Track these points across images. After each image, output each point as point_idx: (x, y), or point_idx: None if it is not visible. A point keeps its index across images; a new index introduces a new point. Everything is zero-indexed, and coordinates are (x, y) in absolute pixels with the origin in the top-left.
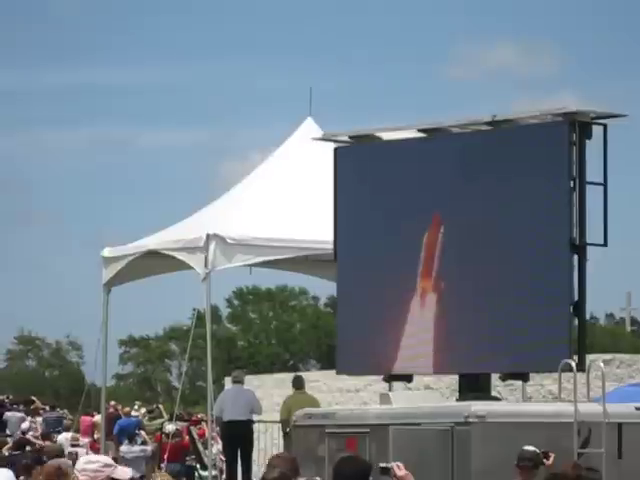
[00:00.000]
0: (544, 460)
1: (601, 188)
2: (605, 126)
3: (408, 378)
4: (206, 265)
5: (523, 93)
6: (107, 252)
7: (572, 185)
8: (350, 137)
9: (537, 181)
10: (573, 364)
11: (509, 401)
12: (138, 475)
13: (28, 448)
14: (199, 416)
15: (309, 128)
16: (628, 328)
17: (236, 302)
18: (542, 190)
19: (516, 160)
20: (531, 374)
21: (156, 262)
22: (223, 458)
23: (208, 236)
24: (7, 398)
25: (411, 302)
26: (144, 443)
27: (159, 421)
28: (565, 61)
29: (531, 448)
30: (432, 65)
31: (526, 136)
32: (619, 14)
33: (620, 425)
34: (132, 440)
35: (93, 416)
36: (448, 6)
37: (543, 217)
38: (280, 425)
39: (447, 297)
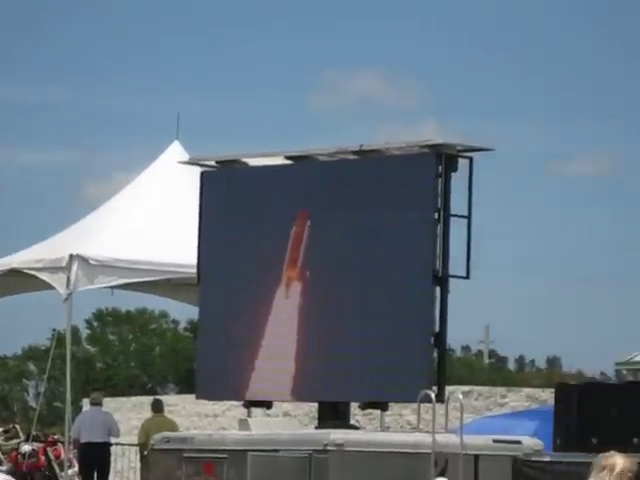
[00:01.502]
0: None
1: (465, 220)
2: (471, 159)
3: (267, 404)
4: (68, 286)
5: (388, 123)
6: None
7: (437, 217)
8: (217, 162)
9: (402, 212)
10: (432, 395)
11: (367, 430)
12: None
13: None
14: (56, 437)
15: (175, 151)
16: (486, 360)
17: (95, 324)
18: (407, 221)
19: (382, 190)
20: (390, 404)
21: (18, 281)
22: None
23: (71, 256)
24: None
25: (271, 329)
26: None
27: (15, 441)
28: (429, 93)
29: None
30: (298, 92)
31: (393, 167)
32: (480, 48)
33: (477, 457)
34: None
35: None
36: (315, 34)
37: (407, 248)
38: (138, 448)
39: (307, 325)
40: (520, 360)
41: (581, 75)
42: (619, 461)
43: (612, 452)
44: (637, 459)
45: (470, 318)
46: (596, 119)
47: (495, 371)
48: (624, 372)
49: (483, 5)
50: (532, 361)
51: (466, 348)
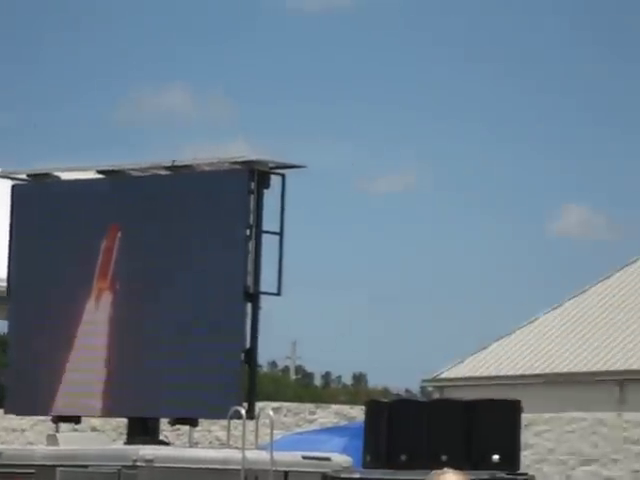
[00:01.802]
0: None
1: (277, 237)
2: (283, 176)
3: (76, 419)
4: None
5: (197, 140)
6: None
7: (248, 233)
8: (28, 175)
9: (214, 228)
10: (242, 411)
11: (177, 446)
12: None
13: None
14: None
15: None
16: (293, 377)
17: None
18: (218, 237)
19: (194, 206)
20: (200, 420)
21: None
22: None
23: None
24: None
25: (80, 343)
26: None
27: None
28: (237, 110)
29: None
30: (105, 107)
31: (205, 183)
32: (287, 66)
33: (287, 473)
34: None
35: None
36: (121, 50)
37: (218, 264)
38: None
39: (117, 340)
40: (326, 376)
41: (385, 96)
42: (451, 478)
43: (445, 469)
44: (469, 476)
45: (277, 334)
46: (401, 138)
47: (302, 387)
48: (430, 389)
49: (290, 21)
50: (338, 377)
51: (272, 364)
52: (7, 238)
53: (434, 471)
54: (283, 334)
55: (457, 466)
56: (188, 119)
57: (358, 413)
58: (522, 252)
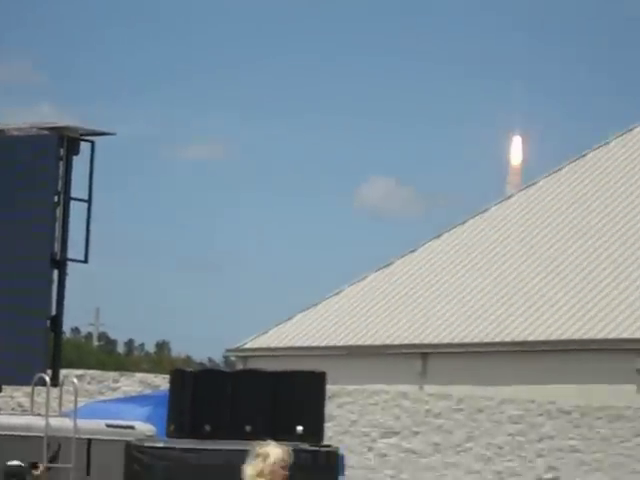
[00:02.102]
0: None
1: (85, 204)
2: (93, 143)
3: None
4: None
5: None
6: None
7: (57, 200)
8: None
9: (22, 193)
10: (47, 378)
11: None
12: None
13: None
14: None
15: None
16: (95, 343)
17: None
18: (26, 203)
19: (2, 171)
20: (3, 386)
21: None
22: None
23: None
24: None
25: None
26: None
27: None
28: (43, 76)
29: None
30: None
31: (12, 147)
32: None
33: (90, 441)
34: None
35: None
36: None
37: (25, 230)
38: None
39: None
40: (129, 344)
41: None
42: (272, 450)
43: (268, 441)
44: (290, 447)
45: (80, 301)
46: (213, 108)
47: (105, 354)
48: (233, 359)
49: None
50: (142, 345)
51: (75, 330)
52: None
53: (258, 442)
54: (86, 301)
55: (260, 437)
56: None
57: (162, 382)
58: (330, 224)
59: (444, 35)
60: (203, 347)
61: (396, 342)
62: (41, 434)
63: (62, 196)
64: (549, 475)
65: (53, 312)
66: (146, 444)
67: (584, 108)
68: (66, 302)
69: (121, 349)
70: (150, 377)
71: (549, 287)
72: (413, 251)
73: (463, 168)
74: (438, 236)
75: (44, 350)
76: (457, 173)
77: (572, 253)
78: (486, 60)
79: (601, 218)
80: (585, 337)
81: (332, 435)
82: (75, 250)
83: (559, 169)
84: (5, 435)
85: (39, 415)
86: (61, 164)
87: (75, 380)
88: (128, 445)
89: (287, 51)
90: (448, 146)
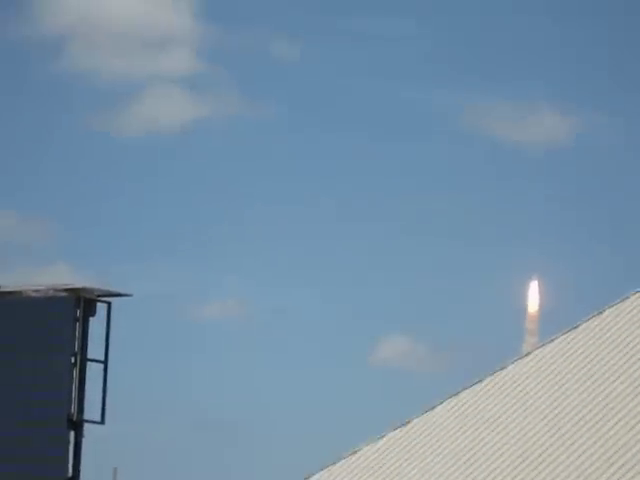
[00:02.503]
0: None
1: (102, 365)
2: (109, 304)
3: None
4: None
5: (20, 262)
6: None
7: (73, 361)
8: None
9: (39, 355)
10: None
11: None
12: None
13: None
14: None
15: None
16: None
17: None
18: (44, 364)
19: (19, 332)
20: None
21: None
22: None
23: None
24: None
25: None
26: None
27: None
28: (59, 233)
29: None
30: None
31: (30, 309)
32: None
33: None
34: None
35: None
36: None
37: (42, 391)
38: None
39: None
40: None
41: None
42: None
43: None
44: None
45: (98, 461)
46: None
47: None
48: None
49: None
50: None
51: None
52: None
53: None
54: (104, 461)
55: None
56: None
57: None
58: (345, 382)
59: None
60: None
61: None
62: None
63: (79, 357)
64: None
65: (69, 474)
66: None
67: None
68: (83, 462)
69: None
70: None
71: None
72: (433, 408)
73: (480, 319)
74: (457, 394)
75: None
76: (473, 325)
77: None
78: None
79: (623, 380)
80: None
81: None
82: (92, 411)
83: (576, 326)
84: None
85: None
86: (78, 325)
87: None
88: None
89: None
90: (463, 297)
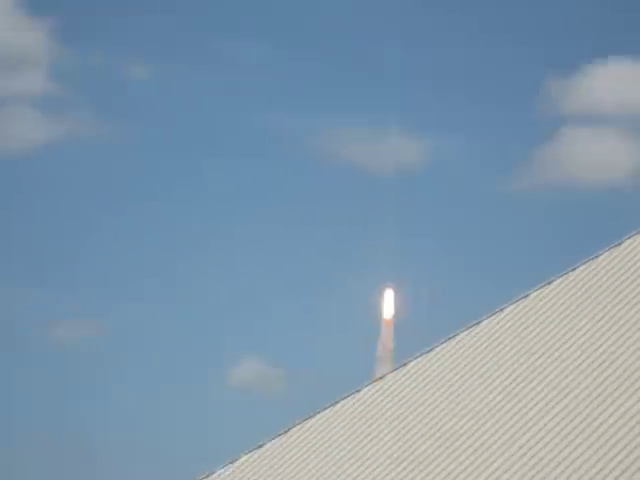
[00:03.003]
0: None
1: None
2: None
3: None
4: None
5: None
6: None
7: None
8: None
9: None
10: None
11: None
12: None
13: None
14: None
15: None
16: None
17: None
18: None
19: None
20: None
21: None
22: None
23: None
24: None
25: None
26: None
27: None
28: None
29: None
30: None
31: None
32: None
33: None
34: None
35: None
36: None
37: None
38: None
39: None
40: None
41: None
42: None
43: None
44: None
45: None
46: None
47: None
48: None
49: None
50: None
51: None
52: None
53: None
54: None
55: None
56: None
57: None
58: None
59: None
60: None
61: None
62: None
63: None
64: None
65: None
66: None
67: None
68: None
69: None
70: None
71: None
72: (286, 432)
73: (333, 342)
74: (312, 416)
75: None
76: (327, 348)
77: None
78: None
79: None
80: None
81: None
82: None
83: (431, 349)
84: None
85: None
86: None
87: None
88: None
89: None
90: (317, 318)
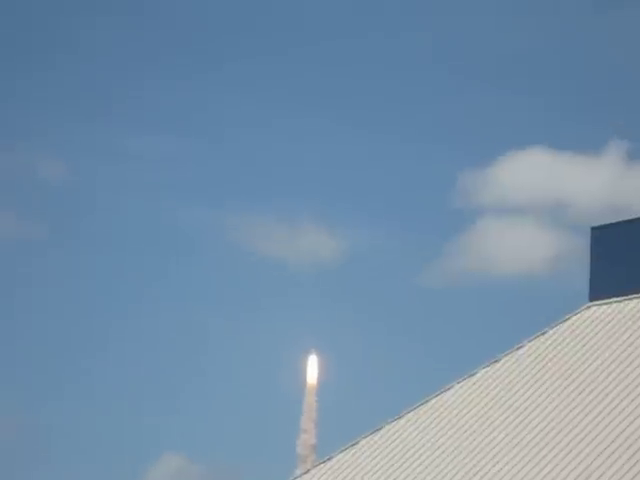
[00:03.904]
0: None
1: None
2: None
3: None
4: None
5: None
6: None
7: None
8: None
9: None
10: None
11: None
12: None
13: None
14: None
15: None
16: None
17: None
18: None
19: None
20: None
21: None
22: None
23: None
24: None
25: None
26: None
27: None
28: None
29: None
30: None
31: None
32: None
33: None
34: None
35: None
36: None
37: None
38: None
39: None
40: None
41: None
42: None
43: None
44: None
45: None
46: None
47: None
48: None
49: None
50: None
51: None
52: None
53: None
54: None
55: None
56: None
57: None
58: None
59: None
60: None
61: None
62: None
63: None
64: None
65: None
66: None
67: None
68: None
69: None
70: None
71: None
72: None
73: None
74: None
75: None
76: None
77: None
78: None
79: None
80: None
81: None
82: None
83: (356, 442)
84: None
85: None
86: None
87: None
88: None
89: None
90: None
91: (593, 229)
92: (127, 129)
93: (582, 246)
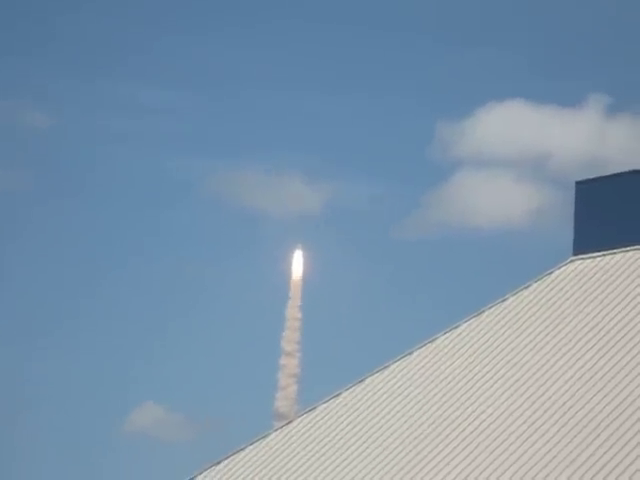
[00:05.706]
0: None
1: None
2: None
3: None
4: None
5: None
6: None
7: None
8: None
9: None
10: None
11: None
12: None
13: None
14: None
15: None
16: None
17: None
18: None
19: None
20: None
21: None
22: None
23: None
24: None
25: None
26: None
27: None
28: None
29: None
30: None
31: None
32: None
33: None
34: None
35: None
36: None
37: None
38: None
39: None
40: None
41: None
42: None
43: None
44: None
45: None
46: None
47: None
48: None
49: None
50: None
51: None
52: None
53: None
54: None
55: None
56: None
57: None
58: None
59: None
60: None
61: None
62: None
63: None
64: None
65: None
66: None
67: None
68: None
69: None
70: None
71: None
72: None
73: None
74: (218, 462)
75: None
76: (226, 396)
77: None
78: None
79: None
80: None
81: None
82: None
83: (339, 393)
84: None
85: None
86: None
87: None
88: None
89: None
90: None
91: (578, 183)
92: (113, 79)
93: (563, 200)
